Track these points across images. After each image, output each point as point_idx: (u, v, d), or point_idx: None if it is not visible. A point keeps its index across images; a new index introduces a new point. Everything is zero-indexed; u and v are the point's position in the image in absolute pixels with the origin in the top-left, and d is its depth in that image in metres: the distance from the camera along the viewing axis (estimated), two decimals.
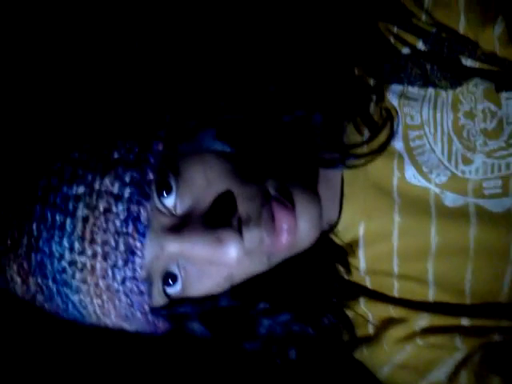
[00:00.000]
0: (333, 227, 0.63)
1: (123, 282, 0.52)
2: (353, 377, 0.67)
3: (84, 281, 0.52)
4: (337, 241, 0.63)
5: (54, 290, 0.54)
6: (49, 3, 0.75)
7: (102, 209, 0.51)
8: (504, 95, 0.58)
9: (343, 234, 0.63)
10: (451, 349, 0.60)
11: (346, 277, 0.64)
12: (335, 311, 0.63)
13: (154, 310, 0.56)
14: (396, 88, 0.61)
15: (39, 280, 0.54)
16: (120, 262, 0.52)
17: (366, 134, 0.61)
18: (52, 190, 0.52)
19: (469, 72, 0.59)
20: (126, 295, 0.53)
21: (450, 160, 0.59)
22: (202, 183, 0.54)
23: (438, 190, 0.60)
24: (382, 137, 0.60)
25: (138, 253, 0.52)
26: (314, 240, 0.57)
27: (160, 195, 0.53)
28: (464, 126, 0.59)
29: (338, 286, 0.63)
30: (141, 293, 0.53)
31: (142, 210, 0.52)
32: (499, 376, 0.58)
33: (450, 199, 0.60)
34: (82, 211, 0.51)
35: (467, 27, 0.58)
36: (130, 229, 0.51)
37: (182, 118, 0.57)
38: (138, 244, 0.52)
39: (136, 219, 0.52)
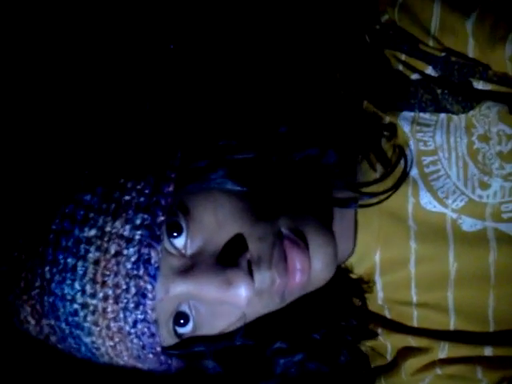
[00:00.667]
0: (347, 259, 0.61)
1: (134, 324, 0.52)
2: None
3: (96, 323, 0.52)
4: (352, 273, 0.61)
5: (67, 331, 0.53)
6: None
7: (113, 251, 0.51)
8: None
9: (359, 264, 0.61)
10: (472, 381, 0.59)
11: (363, 308, 0.62)
12: (351, 348, 0.62)
13: (166, 351, 0.55)
14: (407, 115, 0.60)
15: (52, 322, 0.53)
16: (131, 305, 0.52)
17: (380, 170, 0.60)
18: (64, 233, 0.52)
19: (481, 95, 0.58)
20: (138, 337, 0.53)
21: (466, 185, 0.58)
22: (213, 223, 0.53)
23: (455, 216, 0.58)
24: (397, 173, 0.59)
25: (149, 295, 0.52)
26: (329, 278, 0.56)
27: (170, 236, 0.52)
28: (479, 149, 0.58)
29: (354, 323, 0.61)
30: (152, 335, 0.53)
31: (152, 253, 0.51)
32: None
33: (468, 224, 0.58)
34: (93, 254, 0.51)
35: (477, 50, 0.57)
36: (141, 271, 0.51)
37: (193, 158, 0.56)
38: (149, 287, 0.51)
39: (147, 262, 0.51)
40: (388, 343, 0.62)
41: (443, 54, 0.59)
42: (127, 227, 0.51)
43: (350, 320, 0.61)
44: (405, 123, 0.60)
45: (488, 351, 0.58)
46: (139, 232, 0.51)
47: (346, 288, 0.61)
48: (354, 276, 0.62)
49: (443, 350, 0.59)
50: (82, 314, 0.52)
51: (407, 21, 0.59)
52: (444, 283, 0.59)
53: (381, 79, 0.60)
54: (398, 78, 0.60)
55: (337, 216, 0.60)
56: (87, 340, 0.53)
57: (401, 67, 0.60)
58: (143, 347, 0.53)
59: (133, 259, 0.51)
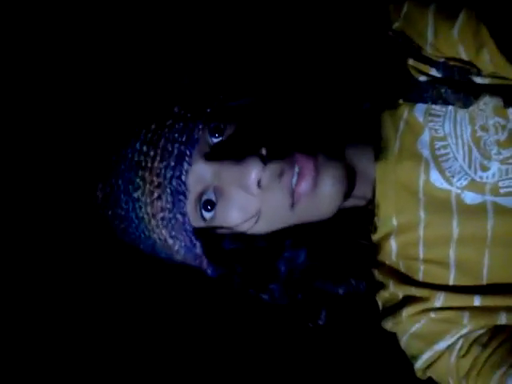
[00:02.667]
0: (366, 204, 0.74)
1: (171, 180, 0.67)
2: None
3: (143, 178, 0.68)
4: (375, 233, 0.74)
5: (122, 187, 0.69)
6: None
7: (168, 122, 0.68)
8: (510, 110, 0.67)
9: (381, 225, 0.74)
10: (459, 324, 0.69)
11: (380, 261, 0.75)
12: (362, 274, 0.74)
13: (193, 229, 0.70)
14: (421, 107, 0.71)
15: (113, 180, 0.69)
16: (172, 163, 0.67)
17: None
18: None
19: (479, 89, 0.68)
20: (172, 193, 0.67)
21: (470, 167, 0.69)
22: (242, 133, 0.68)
23: (459, 191, 0.70)
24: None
25: (187, 158, 0.67)
26: (338, 203, 0.69)
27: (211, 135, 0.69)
28: (481, 137, 0.69)
29: (366, 249, 0.74)
30: (183, 193, 0.67)
31: (196, 128, 0.67)
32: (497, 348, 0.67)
33: (470, 198, 0.69)
34: (153, 125, 0.68)
35: (466, 55, 0.67)
36: (184, 138, 0.67)
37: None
38: (188, 152, 0.67)
39: (190, 132, 0.67)
40: (399, 293, 0.73)
41: (442, 60, 0.69)
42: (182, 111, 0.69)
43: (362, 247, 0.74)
44: (419, 114, 0.71)
45: (477, 301, 0.69)
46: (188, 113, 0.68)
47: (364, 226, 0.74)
48: (375, 237, 0.74)
49: (439, 300, 0.70)
50: (135, 169, 0.68)
51: (410, 29, 0.69)
52: (447, 243, 0.70)
53: (396, 77, 0.71)
54: (410, 78, 0.71)
55: (357, 152, 0.73)
56: (134, 195, 0.68)
57: (410, 70, 0.71)
58: (173, 206, 0.68)
59: (179, 131, 0.67)
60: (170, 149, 0.67)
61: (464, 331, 0.69)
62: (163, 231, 0.70)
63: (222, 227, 0.70)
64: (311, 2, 0.85)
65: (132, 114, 0.71)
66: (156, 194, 0.67)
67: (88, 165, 0.73)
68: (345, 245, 0.74)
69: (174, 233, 0.70)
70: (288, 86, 0.76)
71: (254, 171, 0.65)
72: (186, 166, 0.67)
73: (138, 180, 0.68)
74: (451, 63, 0.69)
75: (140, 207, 0.69)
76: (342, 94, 0.75)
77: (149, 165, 0.67)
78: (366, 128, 0.74)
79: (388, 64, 0.72)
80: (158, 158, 0.67)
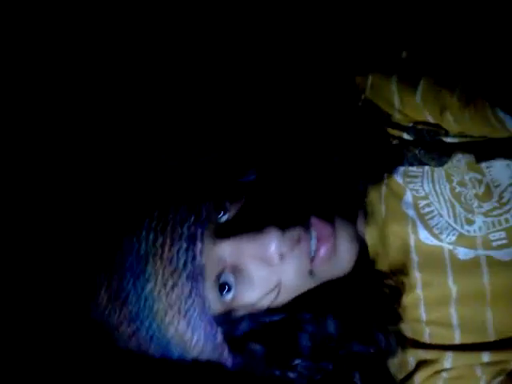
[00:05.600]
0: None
1: (185, 264, 0.64)
2: None
3: (154, 268, 0.64)
4: None
5: (130, 284, 0.65)
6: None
7: (172, 208, 0.67)
8: (484, 165, 0.68)
9: None
10: (474, 378, 0.69)
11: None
12: (387, 332, 0.72)
13: (213, 316, 0.66)
14: (399, 169, 0.73)
15: (119, 279, 0.65)
16: (184, 245, 0.64)
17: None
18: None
19: (451, 148, 0.69)
20: (188, 278, 0.64)
21: (456, 222, 0.70)
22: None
23: (451, 247, 0.70)
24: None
25: (199, 238, 0.64)
26: (354, 262, 0.69)
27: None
28: (460, 192, 0.70)
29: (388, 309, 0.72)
30: (201, 276, 0.64)
31: (202, 208, 0.66)
32: None
33: (462, 253, 0.70)
34: (156, 212, 0.66)
35: (432, 118, 0.69)
36: (192, 219, 0.65)
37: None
38: (199, 231, 0.65)
39: (198, 212, 0.66)
40: (410, 358, 0.73)
41: (410, 124, 0.71)
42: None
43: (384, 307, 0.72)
44: (398, 177, 0.73)
45: (486, 357, 0.68)
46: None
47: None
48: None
49: (448, 360, 0.70)
50: (146, 259, 0.64)
51: (377, 98, 0.72)
52: (447, 303, 0.70)
53: (374, 146, 0.74)
54: (385, 143, 0.73)
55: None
56: (147, 287, 0.64)
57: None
58: (191, 293, 0.64)
59: (185, 212, 0.66)
60: (180, 231, 0.64)
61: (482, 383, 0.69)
62: (181, 323, 0.65)
63: (241, 307, 0.68)
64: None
65: (132, 203, 0.69)
66: (171, 283, 0.64)
67: (86, 264, 0.69)
68: (367, 300, 0.73)
69: (193, 323, 0.65)
70: (288, 155, 0.78)
71: (274, 241, 0.64)
72: (199, 245, 0.64)
73: (149, 271, 0.64)
74: (420, 126, 0.71)
75: (154, 301, 0.64)
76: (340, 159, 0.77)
77: (159, 252, 0.64)
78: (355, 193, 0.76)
79: (375, 135, 0.75)
80: (169, 243, 0.64)
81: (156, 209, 0.67)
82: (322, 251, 0.67)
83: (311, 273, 0.68)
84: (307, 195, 0.71)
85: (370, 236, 0.74)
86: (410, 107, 0.69)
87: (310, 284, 0.69)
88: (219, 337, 0.68)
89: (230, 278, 0.66)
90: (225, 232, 0.66)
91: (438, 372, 0.70)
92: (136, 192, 0.71)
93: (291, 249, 0.66)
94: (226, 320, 0.68)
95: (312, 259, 0.67)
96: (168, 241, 0.64)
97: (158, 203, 0.67)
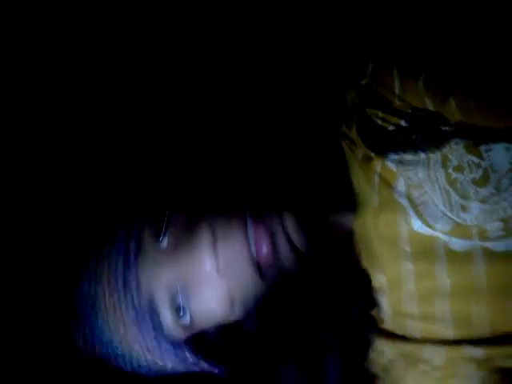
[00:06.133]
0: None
1: (127, 311, 0.65)
2: None
3: (106, 320, 0.66)
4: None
5: (89, 332, 0.67)
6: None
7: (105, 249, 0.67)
8: (483, 148, 0.66)
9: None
10: (469, 376, 0.66)
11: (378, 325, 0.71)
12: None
13: (174, 340, 0.67)
14: (393, 157, 0.70)
15: (82, 327, 0.67)
16: (121, 292, 0.65)
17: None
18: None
19: (449, 134, 0.67)
20: (134, 323, 0.65)
21: (451, 210, 0.67)
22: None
23: (445, 237, 0.67)
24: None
25: (133, 282, 0.64)
26: (303, 245, 0.66)
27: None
28: (456, 179, 0.67)
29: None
30: (147, 317, 0.65)
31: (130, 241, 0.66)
32: None
33: (457, 244, 0.67)
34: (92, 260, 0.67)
35: (433, 106, 0.67)
36: (122, 259, 0.65)
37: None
38: (131, 274, 0.64)
39: (127, 256, 0.65)
40: (399, 357, 0.69)
41: (410, 111, 0.68)
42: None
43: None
44: (391, 164, 0.70)
45: (481, 353, 0.66)
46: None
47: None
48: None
49: (442, 357, 0.67)
50: (97, 312, 0.65)
51: (377, 84, 0.69)
52: (440, 297, 0.67)
53: (367, 131, 0.71)
54: (378, 129, 0.70)
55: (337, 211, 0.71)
56: (105, 336, 0.66)
57: (380, 122, 0.70)
58: (143, 335, 0.65)
59: (122, 258, 0.65)
60: (113, 279, 0.65)
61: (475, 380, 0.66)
62: (149, 359, 0.68)
63: (203, 325, 0.68)
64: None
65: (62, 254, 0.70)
66: (122, 330, 0.66)
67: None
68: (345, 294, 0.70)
69: (159, 355, 0.68)
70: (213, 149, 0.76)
71: (205, 256, 0.63)
72: (135, 291, 0.65)
73: (99, 323, 0.67)
74: (419, 113, 0.68)
75: (116, 348, 0.68)
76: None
77: (102, 303, 0.66)
78: (337, 185, 0.73)
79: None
80: (107, 294, 0.66)
81: (89, 255, 0.67)
82: (264, 250, 0.64)
83: (261, 275, 0.65)
84: (241, 191, 0.69)
85: (361, 226, 0.71)
86: (411, 93, 0.67)
87: (263, 287, 0.66)
88: (189, 355, 0.69)
89: (179, 300, 0.66)
90: (164, 255, 0.66)
91: (429, 369, 0.67)
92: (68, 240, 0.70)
93: (227, 256, 0.64)
94: (193, 339, 0.68)
95: (256, 260, 0.65)
96: (106, 291, 0.65)
97: (89, 247, 0.67)
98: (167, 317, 0.66)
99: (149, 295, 0.65)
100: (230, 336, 0.68)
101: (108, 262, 0.65)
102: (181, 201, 0.69)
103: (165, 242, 0.66)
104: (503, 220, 0.66)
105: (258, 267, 0.65)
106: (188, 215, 0.67)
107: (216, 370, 0.70)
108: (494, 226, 0.66)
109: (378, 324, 0.71)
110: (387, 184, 0.70)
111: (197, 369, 0.70)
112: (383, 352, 0.70)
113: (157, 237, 0.66)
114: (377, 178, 0.71)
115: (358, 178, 0.72)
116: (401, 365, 0.69)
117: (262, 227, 0.65)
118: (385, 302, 0.70)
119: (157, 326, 0.66)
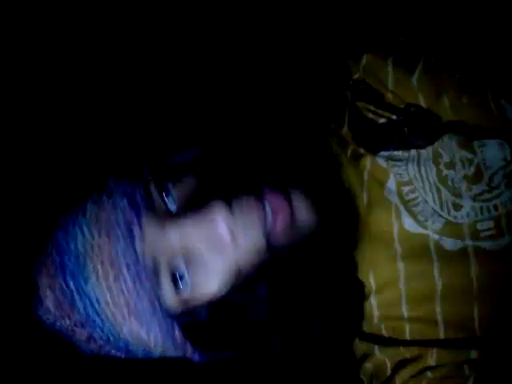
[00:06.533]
0: None
1: (128, 267, 0.57)
2: None
3: (95, 268, 0.57)
4: None
5: (73, 287, 0.58)
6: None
7: (105, 196, 0.58)
8: (476, 143, 0.66)
9: None
10: (461, 377, 0.63)
11: (364, 328, 0.68)
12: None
13: (167, 312, 0.59)
14: (383, 153, 0.69)
15: (62, 282, 0.58)
16: (123, 244, 0.56)
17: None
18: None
19: (441, 130, 0.67)
20: (132, 280, 0.57)
21: (442, 208, 0.66)
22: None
23: (436, 237, 0.66)
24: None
25: (137, 235, 0.57)
26: (314, 222, 0.61)
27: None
28: (447, 175, 0.66)
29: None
30: (145, 276, 0.57)
31: (136, 191, 0.59)
32: None
33: (449, 244, 0.65)
34: (90, 205, 0.58)
35: (425, 103, 0.67)
36: (127, 207, 0.57)
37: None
38: (137, 225, 0.57)
39: (131, 197, 0.58)
40: (386, 359, 0.67)
41: (403, 106, 0.68)
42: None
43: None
44: (382, 161, 0.69)
45: (474, 354, 0.63)
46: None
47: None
48: None
49: (432, 357, 0.64)
50: (82, 261, 0.57)
51: (371, 78, 0.70)
52: (431, 299, 0.65)
53: (357, 127, 0.70)
54: (370, 123, 0.70)
55: None
56: (90, 288, 0.57)
57: (371, 115, 0.70)
58: (138, 290, 0.57)
59: (118, 199, 0.58)
60: (116, 226, 0.57)
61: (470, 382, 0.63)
62: (133, 323, 0.59)
63: (201, 298, 0.60)
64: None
65: (57, 194, 0.61)
66: (116, 285, 0.57)
67: (24, 267, 0.61)
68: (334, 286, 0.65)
69: (145, 322, 0.59)
70: (234, 126, 0.72)
71: (220, 217, 0.56)
72: (140, 245, 0.57)
73: (88, 272, 0.57)
74: (412, 109, 0.68)
75: (99, 303, 0.58)
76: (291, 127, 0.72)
77: (97, 251, 0.57)
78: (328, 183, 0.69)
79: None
80: (106, 241, 0.57)
81: (87, 196, 0.59)
82: (279, 223, 0.58)
83: (269, 247, 0.59)
84: (258, 166, 0.63)
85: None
86: (404, 89, 0.67)
87: (268, 256, 0.60)
88: (178, 333, 0.60)
89: (182, 268, 0.59)
90: (172, 217, 0.59)
91: (422, 371, 0.64)
92: (63, 176, 0.63)
93: (243, 224, 0.58)
94: (184, 313, 0.60)
95: (269, 233, 0.59)
96: (105, 238, 0.57)
97: (89, 188, 0.60)
98: (166, 283, 0.58)
99: (152, 256, 0.58)
100: (220, 317, 0.61)
101: (108, 209, 0.58)
102: (195, 164, 0.63)
103: (173, 204, 0.60)
104: (495, 218, 0.65)
105: (268, 240, 0.59)
106: (201, 179, 0.61)
107: (196, 357, 0.62)
108: (484, 226, 0.65)
109: (364, 326, 0.68)
110: (377, 181, 0.69)
111: (178, 353, 0.62)
112: (371, 355, 0.68)
113: (165, 196, 0.59)
114: (366, 176, 0.69)
115: (348, 176, 0.70)
116: (389, 367, 0.66)
117: (280, 199, 0.59)
118: (374, 305, 0.67)
119: (154, 289, 0.58)
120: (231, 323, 0.62)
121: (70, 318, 0.59)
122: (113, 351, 0.62)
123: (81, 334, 0.61)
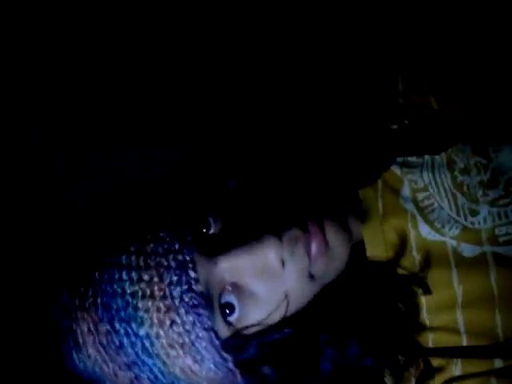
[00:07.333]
0: None
1: (181, 297, 0.57)
2: None
3: (147, 309, 0.57)
4: None
5: (122, 331, 0.57)
6: None
7: (149, 236, 0.58)
8: (491, 149, 0.65)
9: None
10: None
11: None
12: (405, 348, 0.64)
13: (221, 342, 0.59)
14: (397, 160, 0.68)
15: (108, 326, 0.58)
16: (174, 278, 0.57)
17: None
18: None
19: (455, 134, 0.67)
20: (187, 313, 0.57)
21: (458, 214, 0.65)
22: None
23: (454, 243, 0.65)
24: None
25: (189, 265, 0.57)
26: (348, 251, 0.63)
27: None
28: (463, 181, 0.66)
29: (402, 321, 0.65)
30: (201, 306, 0.57)
31: (185, 231, 0.59)
32: None
33: (467, 250, 0.64)
34: (133, 247, 0.58)
35: (438, 106, 0.67)
36: (177, 246, 0.58)
37: None
38: (188, 257, 0.57)
39: (182, 238, 0.58)
40: (411, 368, 0.65)
41: (414, 110, 0.68)
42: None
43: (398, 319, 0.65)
44: (396, 168, 0.68)
45: (498, 363, 0.62)
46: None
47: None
48: None
49: (457, 367, 0.63)
50: (133, 303, 0.57)
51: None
52: (452, 307, 0.64)
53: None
54: (382, 127, 0.69)
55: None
56: (142, 333, 0.57)
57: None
58: (194, 324, 0.57)
59: (168, 239, 0.58)
60: (166, 263, 0.57)
61: None
62: (186, 359, 0.58)
63: (249, 327, 0.61)
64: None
65: (103, 237, 0.62)
66: (169, 321, 0.57)
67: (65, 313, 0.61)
68: (383, 311, 0.65)
69: (199, 356, 0.59)
70: (267, 155, 0.74)
71: (273, 250, 0.59)
72: (192, 273, 0.57)
73: (140, 314, 0.57)
74: (424, 113, 0.68)
75: (152, 344, 0.57)
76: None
77: (148, 291, 0.57)
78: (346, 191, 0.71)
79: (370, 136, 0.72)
80: (157, 279, 0.57)
81: (131, 241, 0.59)
82: (314, 248, 0.61)
83: (311, 275, 0.62)
84: (301, 199, 0.65)
85: (368, 236, 0.68)
86: (416, 91, 0.67)
87: (312, 289, 0.62)
88: (230, 363, 0.61)
89: (232, 298, 0.60)
90: (216, 248, 0.60)
91: (448, 382, 0.63)
92: (104, 224, 0.63)
93: (291, 253, 0.60)
94: (235, 343, 0.61)
95: (311, 261, 0.61)
96: (156, 277, 0.57)
97: (132, 233, 0.60)
98: (218, 317, 0.59)
99: (205, 291, 0.58)
100: (273, 348, 0.62)
101: (156, 250, 0.58)
102: (235, 197, 0.64)
103: (210, 231, 0.61)
104: None
105: (310, 267, 0.61)
106: (244, 212, 0.62)
107: None
108: (503, 231, 0.64)
109: None
110: (392, 189, 0.68)
111: (227, 381, 0.62)
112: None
113: (201, 228, 0.61)
114: (381, 184, 0.69)
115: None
116: (414, 376, 0.65)
117: (317, 227, 0.61)
118: None
119: (205, 325, 0.58)
120: (281, 355, 0.62)
121: (114, 362, 0.59)
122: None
123: (124, 377, 0.60)
